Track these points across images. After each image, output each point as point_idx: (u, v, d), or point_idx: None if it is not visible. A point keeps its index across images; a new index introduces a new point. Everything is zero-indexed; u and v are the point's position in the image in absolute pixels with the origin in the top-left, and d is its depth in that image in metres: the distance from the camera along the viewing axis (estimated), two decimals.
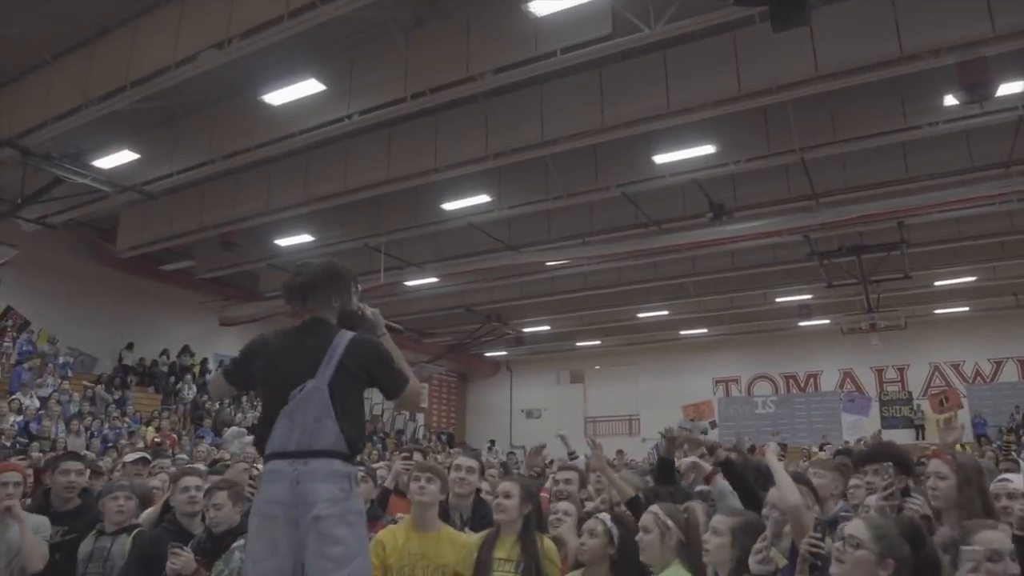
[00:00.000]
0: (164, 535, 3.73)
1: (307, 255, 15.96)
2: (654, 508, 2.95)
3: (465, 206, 13.43)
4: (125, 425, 13.65)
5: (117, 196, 12.85)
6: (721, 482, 3.81)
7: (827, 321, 21.52)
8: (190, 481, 3.90)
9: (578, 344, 25.36)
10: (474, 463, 4.01)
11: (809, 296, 19.74)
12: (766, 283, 18.88)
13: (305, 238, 14.93)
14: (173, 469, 5.55)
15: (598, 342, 25.09)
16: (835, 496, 3.92)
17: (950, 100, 9.88)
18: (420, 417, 24.32)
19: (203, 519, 3.76)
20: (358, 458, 2.99)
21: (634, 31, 8.47)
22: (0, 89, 11.37)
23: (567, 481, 4.42)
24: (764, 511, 3.02)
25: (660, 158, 11.80)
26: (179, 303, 18.48)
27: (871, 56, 8.99)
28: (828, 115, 10.94)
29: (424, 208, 14.08)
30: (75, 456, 4.23)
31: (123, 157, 11.76)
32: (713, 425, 24.78)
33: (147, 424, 13.62)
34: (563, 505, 3.75)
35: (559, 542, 3.41)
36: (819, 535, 2.58)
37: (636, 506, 3.45)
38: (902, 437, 22.23)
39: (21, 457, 8.56)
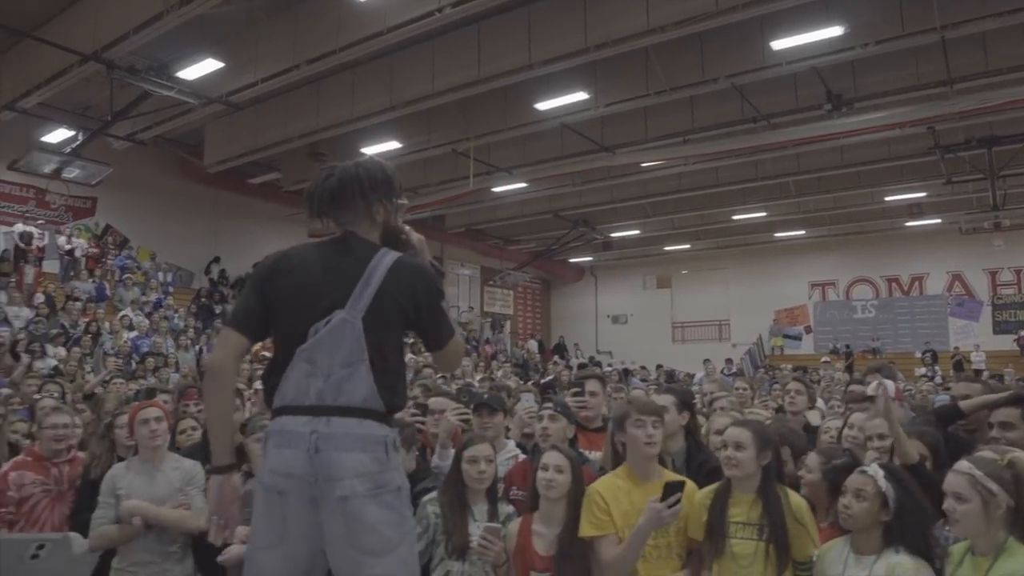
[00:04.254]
0: None
1: (393, 162, 15.50)
2: (965, 467, 2.33)
3: (560, 105, 12.62)
4: None
5: (203, 108, 12.58)
6: None
7: (938, 220, 20.09)
8: None
9: (666, 248, 24.58)
10: (671, 398, 3.31)
11: (923, 194, 18.34)
12: (876, 180, 17.57)
13: (392, 145, 14.47)
14: None
15: (687, 246, 24.25)
16: None
17: None
18: (507, 324, 24.27)
19: None
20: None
21: None
22: (81, 1, 11.10)
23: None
24: None
25: (778, 43, 10.71)
26: (267, 217, 18.46)
27: None
28: None
29: (515, 110, 13.37)
30: None
31: (207, 66, 11.38)
32: (808, 330, 24.01)
33: None
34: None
35: None
36: None
37: (918, 473, 2.74)
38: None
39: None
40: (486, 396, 3.95)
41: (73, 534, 3.53)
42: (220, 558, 3.04)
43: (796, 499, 2.75)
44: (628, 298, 26.70)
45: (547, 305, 28.32)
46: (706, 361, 17.44)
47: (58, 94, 12.19)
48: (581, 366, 17.13)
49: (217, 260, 17.50)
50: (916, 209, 19.59)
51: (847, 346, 22.11)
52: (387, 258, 2.20)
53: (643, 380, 14.79)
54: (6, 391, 5.96)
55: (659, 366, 18.66)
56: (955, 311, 22.04)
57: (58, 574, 3.28)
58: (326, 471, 2.04)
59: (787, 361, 20.79)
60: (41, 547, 3.38)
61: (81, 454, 4.04)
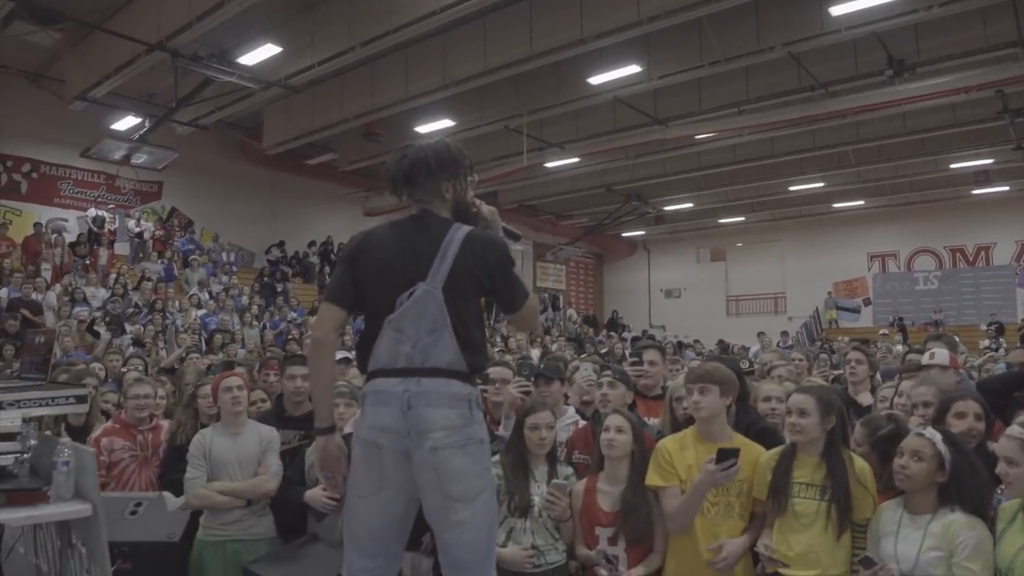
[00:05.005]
0: None
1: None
2: (1017, 431, 2.37)
3: (613, 79, 12.57)
4: (292, 317, 14.28)
5: (262, 92, 12.92)
6: None
7: (1006, 188, 19.37)
8: None
9: (720, 221, 24.27)
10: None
11: (990, 160, 17.68)
12: (940, 148, 16.99)
13: (445, 123, 14.62)
14: None
15: (742, 218, 23.89)
16: None
17: None
18: (559, 299, 24.31)
19: None
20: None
21: None
22: None
23: None
24: None
25: (837, 9, 10.45)
26: (324, 197, 18.89)
27: None
28: None
29: (567, 85, 13.37)
30: (301, 360, 4.15)
31: (266, 52, 11.68)
32: (867, 303, 23.50)
33: (311, 314, 14.16)
34: None
35: None
36: None
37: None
38: None
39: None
40: (543, 367, 4.10)
41: (167, 493, 3.82)
42: (307, 495, 3.48)
43: (860, 463, 2.83)
44: (681, 272, 26.48)
45: (600, 280, 28.29)
46: (760, 334, 17.28)
47: (125, 83, 12.64)
48: (635, 339, 17.21)
49: (281, 244, 17.99)
50: (983, 176, 18.91)
51: (900, 318, 21.59)
52: (460, 232, 2.37)
53: (698, 353, 14.76)
54: (96, 365, 6.34)
55: (720, 341, 18.50)
56: (1023, 282, 21.28)
57: (154, 529, 3.55)
58: (417, 425, 2.25)
59: (845, 334, 20.41)
60: (139, 505, 3.66)
61: (164, 422, 4.34)
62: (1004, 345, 17.48)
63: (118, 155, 14.37)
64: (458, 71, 12.50)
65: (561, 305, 23.90)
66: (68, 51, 13.03)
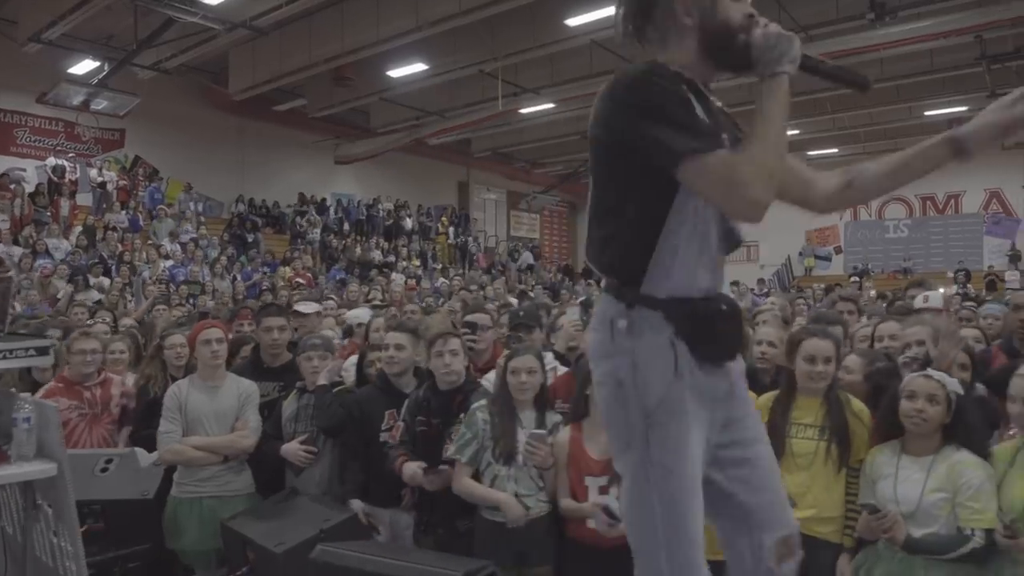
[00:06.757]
0: (375, 395, 3.47)
1: (420, 85, 15.37)
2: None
3: (591, 20, 12.22)
4: (264, 270, 14.01)
5: (226, 34, 12.39)
6: None
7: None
8: (391, 338, 3.46)
9: None
10: None
11: (964, 108, 17.65)
12: (916, 95, 16.92)
13: (418, 67, 14.22)
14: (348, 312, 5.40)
15: None
16: None
17: None
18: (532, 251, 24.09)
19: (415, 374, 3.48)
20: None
21: None
22: None
23: None
24: None
25: None
26: (294, 144, 18.39)
27: None
28: None
29: (544, 27, 12.99)
30: (276, 310, 3.99)
31: None
32: (838, 251, 23.70)
33: (284, 265, 13.93)
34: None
35: None
36: None
37: None
38: None
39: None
40: (521, 314, 4.00)
41: (139, 449, 3.68)
42: (283, 448, 3.44)
43: (857, 403, 2.81)
44: None
45: (574, 229, 28.17)
46: (734, 283, 17.35)
47: (82, 24, 12.03)
48: None
49: (251, 201, 17.58)
50: (957, 124, 18.61)
51: (864, 267, 21.85)
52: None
53: None
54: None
55: None
56: (991, 229, 21.56)
57: (127, 487, 3.41)
58: None
59: (816, 282, 20.60)
60: (109, 461, 3.52)
61: (114, 376, 4.12)
62: (972, 290, 17.77)
63: (76, 101, 13.79)
64: (432, 12, 12.07)
65: (539, 255, 23.76)
66: None
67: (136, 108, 14.08)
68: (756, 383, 3.03)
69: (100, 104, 13.72)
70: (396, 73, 14.61)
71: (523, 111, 16.58)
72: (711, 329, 1.64)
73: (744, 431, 1.74)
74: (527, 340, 3.62)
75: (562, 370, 3.60)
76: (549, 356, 3.73)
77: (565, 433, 3.05)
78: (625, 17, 1.77)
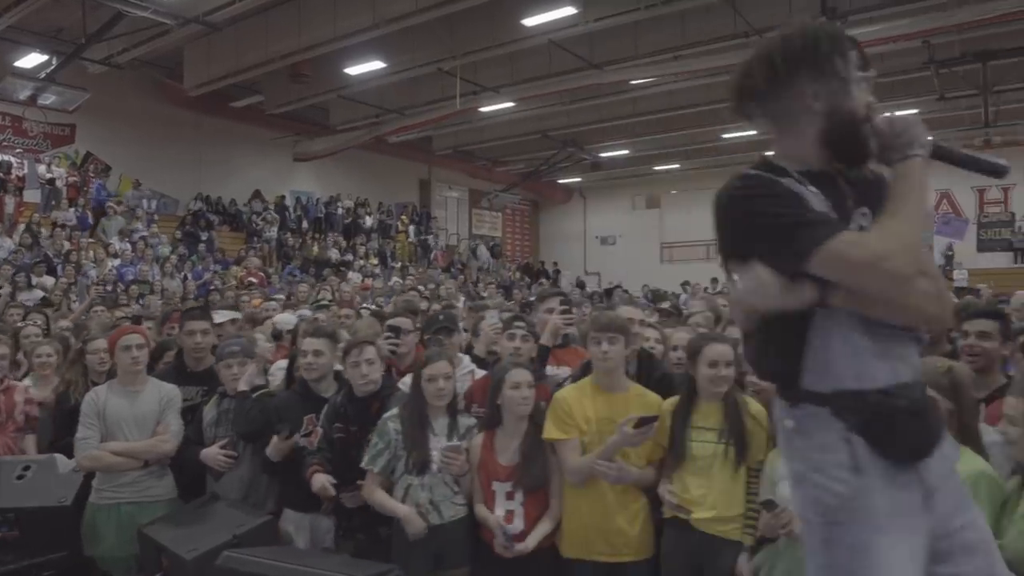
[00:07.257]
0: (294, 401, 3.45)
1: (378, 83, 15.28)
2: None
3: (548, 20, 12.26)
4: (215, 268, 13.81)
5: (180, 29, 12.20)
6: None
7: (929, 138, 19.81)
8: (308, 344, 3.44)
9: (655, 168, 24.34)
10: (638, 312, 3.48)
11: (915, 111, 18.05)
12: None
13: (376, 65, 14.13)
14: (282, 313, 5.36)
15: (677, 166, 24.00)
16: None
17: None
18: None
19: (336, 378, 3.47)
20: None
21: None
22: None
23: None
24: None
25: None
26: (251, 141, 18.18)
27: None
28: None
29: (502, 26, 12.99)
30: (200, 313, 3.94)
31: None
32: None
33: (237, 264, 13.74)
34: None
35: None
36: None
37: None
38: (998, 260, 21.23)
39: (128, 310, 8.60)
40: (441, 317, 4.03)
41: (58, 455, 3.62)
42: (202, 453, 3.44)
43: (756, 406, 2.88)
44: (617, 219, 26.59)
45: (536, 227, 28.25)
46: (685, 283, 17.57)
47: (28, 16, 11.75)
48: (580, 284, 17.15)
49: (207, 198, 17.33)
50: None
51: None
52: None
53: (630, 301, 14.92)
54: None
55: (644, 286, 18.79)
56: (940, 229, 21.92)
57: (44, 494, 3.36)
58: None
59: None
60: (27, 468, 3.47)
61: (17, 383, 4.04)
62: None
63: (23, 95, 13.44)
64: (389, 9, 12.00)
65: (498, 253, 23.80)
66: None
67: (87, 103, 13.77)
68: (674, 389, 3.09)
69: (48, 99, 13.40)
70: (354, 71, 14.50)
71: (483, 109, 16.57)
72: (889, 427, 1.49)
73: (963, 540, 1.56)
74: (447, 344, 3.63)
75: (480, 373, 3.62)
76: (466, 360, 3.75)
77: (477, 439, 3.09)
78: (745, 89, 1.66)
